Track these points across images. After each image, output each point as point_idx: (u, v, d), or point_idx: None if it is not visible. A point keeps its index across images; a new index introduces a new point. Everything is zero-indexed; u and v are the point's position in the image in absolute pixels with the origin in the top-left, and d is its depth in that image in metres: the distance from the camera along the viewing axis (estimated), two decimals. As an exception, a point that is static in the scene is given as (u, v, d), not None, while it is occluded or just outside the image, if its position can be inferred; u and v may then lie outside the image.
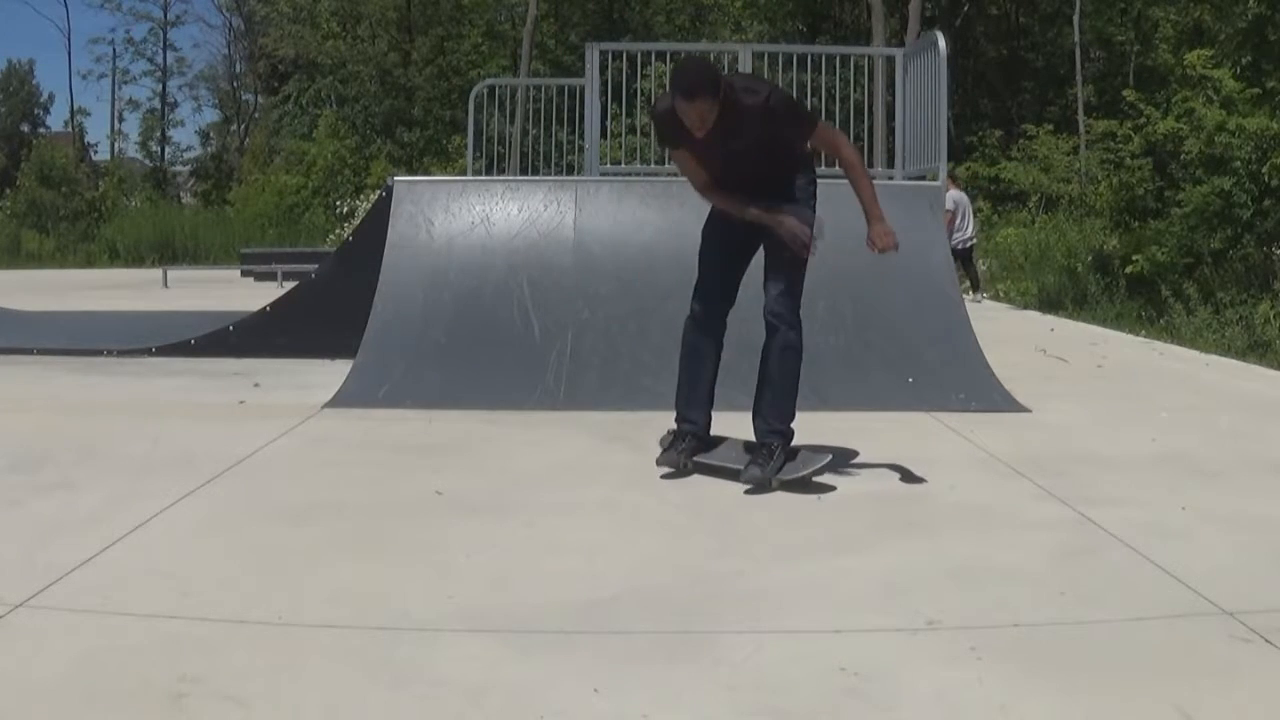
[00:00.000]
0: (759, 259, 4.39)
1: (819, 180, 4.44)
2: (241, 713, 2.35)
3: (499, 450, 4.90)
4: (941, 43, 7.14)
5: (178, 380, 6.63)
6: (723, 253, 4.42)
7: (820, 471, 4.25)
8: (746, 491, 4.17)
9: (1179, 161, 12.30)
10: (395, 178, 7.25)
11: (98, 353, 7.52)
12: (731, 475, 4.31)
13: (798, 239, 4.18)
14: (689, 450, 4.43)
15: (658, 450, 4.62)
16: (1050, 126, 19.93)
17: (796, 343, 4.27)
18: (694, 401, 4.48)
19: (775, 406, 4.30)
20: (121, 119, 46.30)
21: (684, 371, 4.51)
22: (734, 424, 4.54)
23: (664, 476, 4.40)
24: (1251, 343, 8.54)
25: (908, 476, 4.40)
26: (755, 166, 4.25)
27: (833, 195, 4.56)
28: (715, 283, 4.40)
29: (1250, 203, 10.54)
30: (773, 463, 4.21)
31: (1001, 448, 4.87)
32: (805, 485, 4.21)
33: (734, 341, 4.52)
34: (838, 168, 4.49)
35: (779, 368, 4.28)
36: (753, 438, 4.37)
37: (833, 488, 4.23)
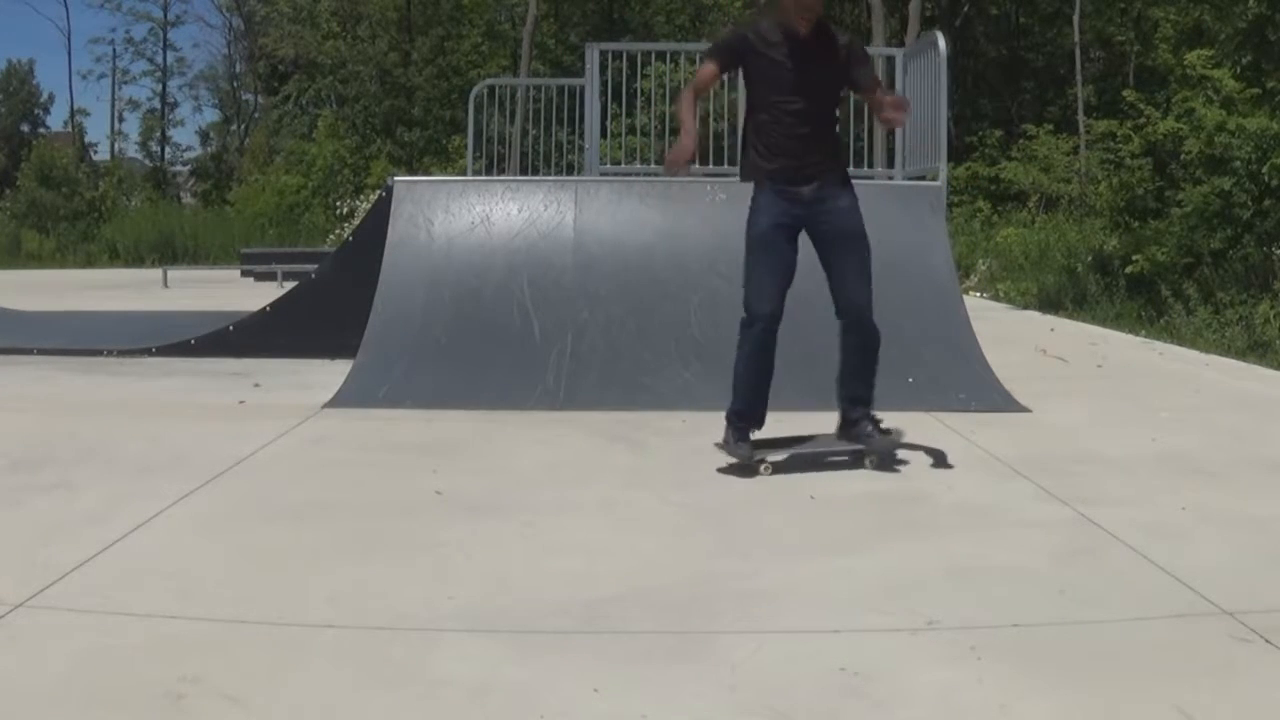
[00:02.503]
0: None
1: None
2: (241, 713, 2.35)
3: (499, 450, 4.90)
4: (941, 43, 7.14)
5: (178, 380, 6.63)
6: (783, 252, 4.44)
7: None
8: (868, 455, 4.45)
9: (1179, 161, 12.28)
10: (395, 178, 7.25)
11: (98, 353, 7.51)
12: (791, 463, 4.44)
13: (676, 156, 4.42)
14: (752, 446, 4.49)
15: (658, 450, 4.62)
16: (1050, 126, 19.88)
17: (878, 332, 4.48)
18: (754, 402, 4.51)
19: (871, 394, 4.51)
20: (121, 119, 46.34)
21: (746, 377, 4.49)
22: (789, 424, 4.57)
23: (722, 470, 4.43)
24: (1251, 343, 8.53)
25: (908, 476, 4.40)
26: (821, 103, 4.47)
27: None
28: (778, 285, 4.42)
29: (1250, 203, 10.52)
30: (886, 436, 4.51)
31: (1001, 448, 4.87)
32: (804, 485, 4.22)
33: (792, 342, 4.58)
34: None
35: (870, 358, 4.47)
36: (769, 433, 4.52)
37: (833, 488, 4.23)
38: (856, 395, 4.52)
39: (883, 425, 4.56)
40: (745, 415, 4.50)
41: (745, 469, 4.41)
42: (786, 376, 4.95)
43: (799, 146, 4.40)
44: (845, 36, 4.62)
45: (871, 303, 4.44)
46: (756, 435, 4.53)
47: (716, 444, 4.49)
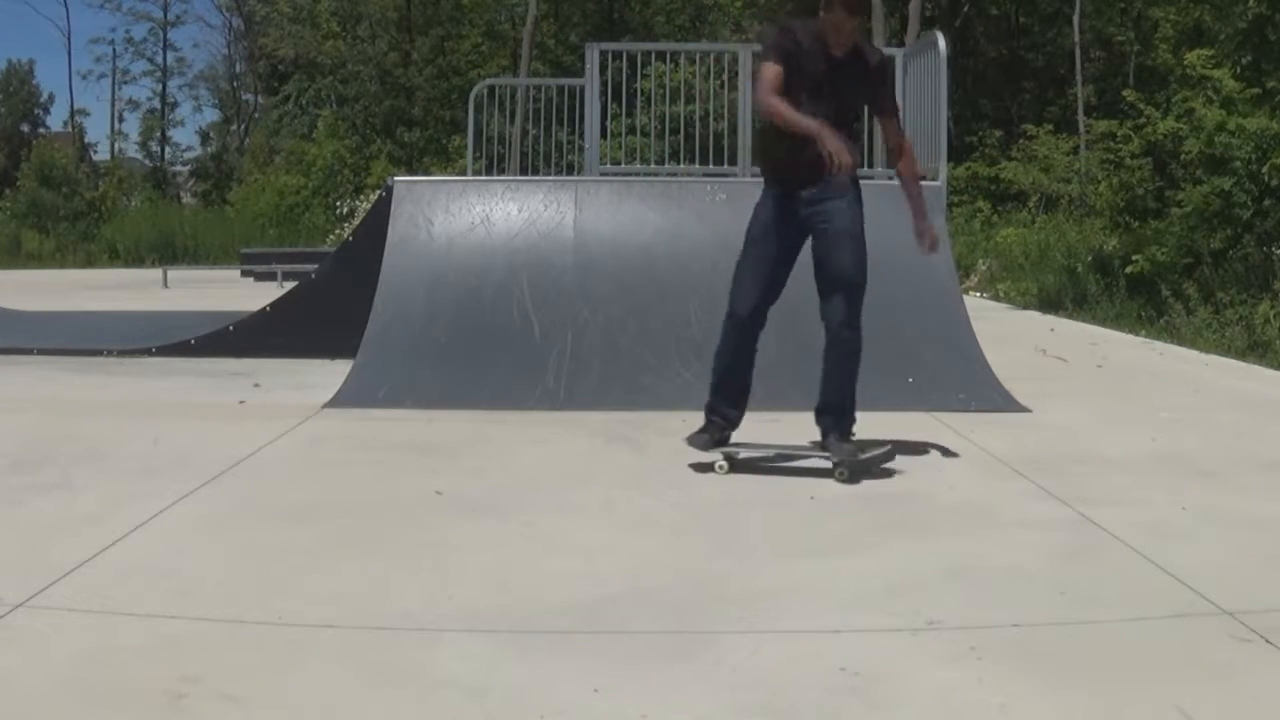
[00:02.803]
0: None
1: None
2: (241, 713, 2.35)
3: (499, 450, 4.90)
4: (941, 43, 7.13)
5: (178, 380, 6.63)
6: (773, 254, 4.44)
7: (886, 458, 4.43)
8: (836, 467, 4.31)
9: (1179, 161, 12.28)
10: (395, 178, 7.24)
11: (98, 353, 7.51)
12: (765, 465, 4.41)
13: (842, 156, 4.17)
14: (718, 441, 4.48)
15: (658, 450, 4.61)
16: (1050, 126, 19.87)
17: (860, 345, 4.40)
18: (728, 398, 4.51)
19: (844, 403, 4.42)
20: (121, 119, 46.25)
21: (720, 369, 4.53)
22: (786, 424, 4.55)
23: (692, 466, 4.44)
24: (1251, 343, 8.53)
25: (908, 476, 4.40)
26: (844, 117, 4.46)
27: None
28: (761, 285, 4.43)
29: (1250, 203, 10.52)
30: (852, 443, 4.38)
31: (1001, 448, 4.87)
32: (803, 485, 4.22)
33: (790, 340, 4.54)
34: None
35: (848, 370, 4.40)
36: (779, 439, 4.52)
37: (833, 488, 4.23)
38: (824, 404, 4.45)
39: (855, 436, 4.46)
40: (715, 409, 4.51)
41: (758, 467, 4.41)
42: (787, 376, 4.97)
43: (815, 156, 4.32)
44: (876, 56, 4.63)
45: (855, 312, 4.34)
46: (736, 435, 4.54)
47: (684, 439, 4.50)
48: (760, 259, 4.43)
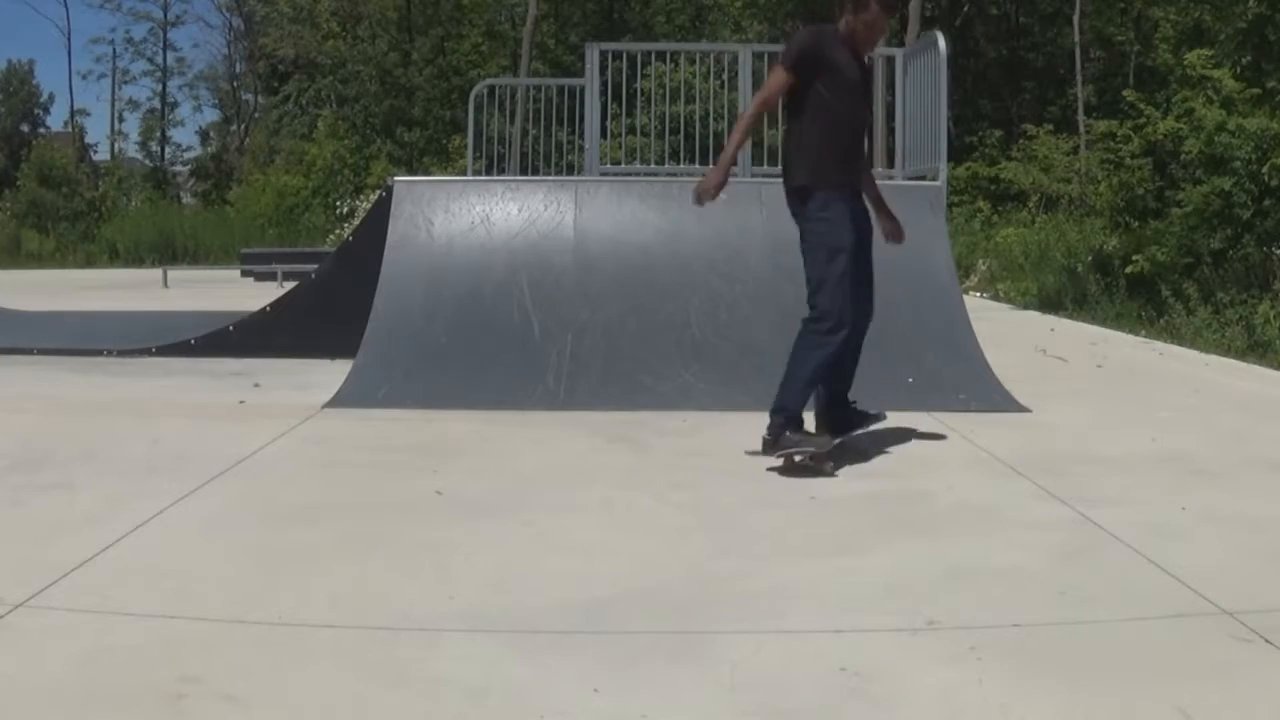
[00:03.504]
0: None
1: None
2: (241, 713, 2.35)
3: (499, 450, 4.90)
4: (941, 43, 7.13)
5: (178, 380, 6.63)
6: (861, 260, 4.58)
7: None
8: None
9: (1179, 161, 12.28)
10: (395, 178, 7.24)
11: (98, 353, 7.51)
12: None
13: (705, 192, 4.45)
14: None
15: (658, 450, 4.59)
16: (1050, 126, 19.87)
17: None
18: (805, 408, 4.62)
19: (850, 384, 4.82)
20: (121, 119, 46.37)
21: (816, 382, 4.59)
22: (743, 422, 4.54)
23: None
24: (1251, 343, 8.53)
25: (908, 476, 4.40)
26: (867, 118, 4.81)
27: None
28: (852, 293, 4.52)
29: (1250, 203, 10.52)
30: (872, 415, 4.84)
31: (1001, 448, 4.87)
32: (803, 485, 4.22)
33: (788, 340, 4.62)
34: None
35: (858, 355, 4.76)
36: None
37: (833, 488, 4.24)
38: (847, 388, 4.78)
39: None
40: (800, 419, 4.49)
41: (806, 469, 4.39)
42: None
43: (857, 156, 4.63)
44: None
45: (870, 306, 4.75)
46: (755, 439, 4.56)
47: (786, 452, 4.39)
48: (852, 268, 4.49)
